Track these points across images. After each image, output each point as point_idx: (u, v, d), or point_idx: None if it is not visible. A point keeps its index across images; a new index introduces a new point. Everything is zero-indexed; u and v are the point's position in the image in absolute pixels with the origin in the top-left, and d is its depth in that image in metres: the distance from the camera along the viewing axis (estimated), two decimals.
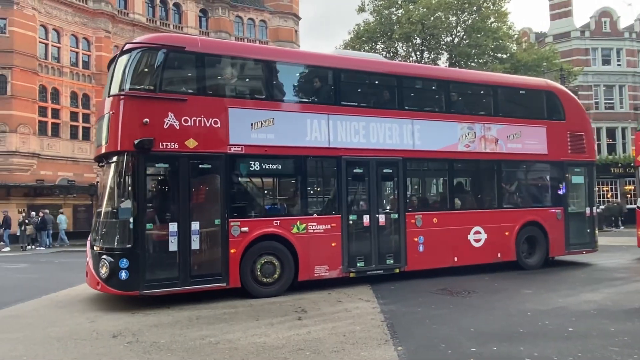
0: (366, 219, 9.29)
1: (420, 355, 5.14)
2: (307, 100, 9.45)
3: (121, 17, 30.34)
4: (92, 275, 7.81)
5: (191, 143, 7.85)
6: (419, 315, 6.86)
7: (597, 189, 31.15)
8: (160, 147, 7.61)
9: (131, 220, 7.36)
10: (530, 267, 10.95)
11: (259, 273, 8.24)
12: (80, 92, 28.23)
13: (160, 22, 32.21)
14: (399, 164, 9.70)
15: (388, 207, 9.91)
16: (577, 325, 6.18)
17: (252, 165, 8.48)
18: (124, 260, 7.31)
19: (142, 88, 7.94)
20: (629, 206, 27.66)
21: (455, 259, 10.06)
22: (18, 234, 21.72)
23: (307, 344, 5.47)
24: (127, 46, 8.16)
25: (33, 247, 21.88)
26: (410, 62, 27.43)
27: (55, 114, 27.23)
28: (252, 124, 8.39)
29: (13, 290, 9.93)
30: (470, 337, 5.67)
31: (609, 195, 33.31)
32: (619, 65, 35.92)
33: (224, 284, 7.95)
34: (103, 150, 8.04)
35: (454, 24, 28.58)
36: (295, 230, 8.56)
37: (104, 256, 7.48)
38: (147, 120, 7.55)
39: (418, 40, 28.66)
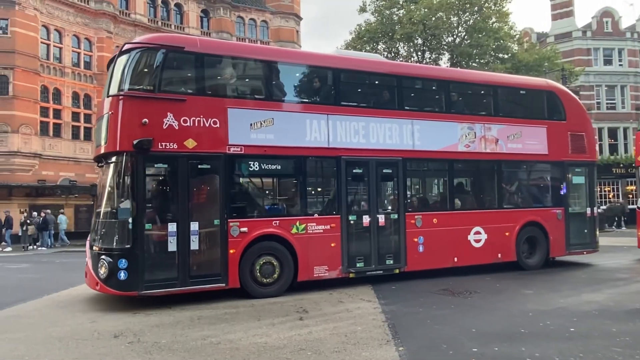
0: (366, 219, 9.26)
1: (422, 355, 5.13)
2: (306, 100, 9.43)
3: (123, 17, 30.40)
4: (91, 275, 7.81)
5: (190, 143, 7.85)
6: (421, 316, 6.85)
7: (598, 189, 31.15)
8: (160, 147, 7.61)
9: (130, 220, 7.36)
10: (530, 267, 10.92)
11: (258, 273, 8.23)
12: (81, 93, 28.30)
13: (161, 23, 32.26)
14: (398, 164, 9.68)
15: (388, 208, 9.88)
16: (579, 325, 6.16)
17: (252, 165, 8.47)
18: (123, 260, 7.31)
19: (141, 88, 7.93)
20: (630, 206, 27.57)
21: (455, 259, 10.03)
22: (20, 234, 21.75)
23: (309, 344, 5.47)
24: (126, 46, 8.16)
25: (35, 247, 21.91)
26: (411, 62, 27.42)
27: (57, 114, 27.30)
28: (251, 124, 8.38)
29: (15, 290, 9.95)
30: (471, 338, 5.67)
31: (610, 196, 33.24)
32: (620, 65, 35.87)
33: (223, 285, 7.94)
34: (102, 151, 8.04)
35: (455, 24, 28.57)
36: (294, 230, 8.54)
37: (103, 256, 7.47)
38: (146, 120, 7.54)
39: (419, 41, 28.64)
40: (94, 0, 28.92)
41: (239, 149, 8.24)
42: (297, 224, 8.61)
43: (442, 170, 10.69)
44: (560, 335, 5.75)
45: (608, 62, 35.85)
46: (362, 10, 29.80)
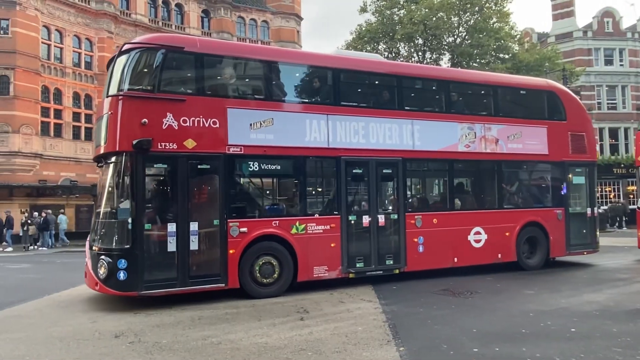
0: (366, 219, 9.25)
1: (423, 355, 5.13)
2: (306, 100, 9.42)
3: (123, 17, 30.43)
4: (90, 275, 7.81)
5: (190, 143, 7.84)
6: (421, 316, 6.85)
7: (599, 189, 31.12)
8: (159, 147, 7.60)
9: (130, 220, 7.35)
10: (530, 267, 10.90)
11: (257, 274, 8.22)
12: (82, 93, 28.33)
13: (162, 23, 32.29)
14: (398, 164, 9.66)
15: (388, 208, 9.87)
16: (580, 326, 6.15)
17: (251, 165, 8.46)
18: (123, 260, 7.30)
19: (141, 88, 7.93)
20: (630, 207, 27.55)
21: (455, 259, 10.02)
22: (21, 234, 21.76)
23: (309, 345, 5.47)
24: (126, 46, 8.15)
25: (35, 247, 21.93)
26: (412, 62, 27.40)
27: (58, 114, 27.33)
28: (251, 124, 8.37)
29: (15, 290, 9.95)
30: (472, 338, 5.66)
31: (611, 196, 33.21)
32: (621, 65, 35.85)
33: (223, 285, 7.93)
34: (102, 151, 8.03)
35: (456, 25, 28.56)
36: (294, 230, 8.53)
37: (103, 256, 7.47)
38: (146, 120, 7.53)
39: (420, 41, 28.63)
40: (94, 0, 28.95)
41: (238, 149, 8.23)
42: (297, 224, 8.60)
43: (442, 171, 10.68)
44: (561, 335, 5.74)
45: (609, 62, 35.82)
46: (363, 10, 29.81)
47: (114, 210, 7.62)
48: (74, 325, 6.61)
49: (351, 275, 9.08)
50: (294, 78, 9.39)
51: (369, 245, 9.25)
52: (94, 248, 7.86)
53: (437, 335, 5.81)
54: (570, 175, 11.55)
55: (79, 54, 28.49)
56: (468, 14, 28.06)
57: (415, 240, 9.63)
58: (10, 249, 21.01)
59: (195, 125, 7.91)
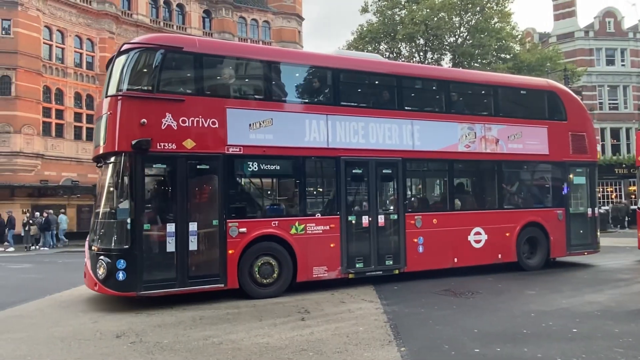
0: (365, 219, 9.23)
1: (424, 356, 5.12)
2: (306, 100, 9.40)
3: (125, 18, 30.47)
4: (90, 276, 7.81)
5: (189, 143, 7.83)
6: (422, 316, 6.83)
7: (601, 189, 31.07)
8: (158, 147, 7.59)
9: (129, 220, 7.34)
10: (531, 268, 10.87)
11: (257, 274, 8.20)
12: (84, 93, 28.37)
13: (163, 23, 32.32)
14: (398, 164, 9.64)
15: (387, 208, 9.84)
16: (581, 326, 6.14)
17: (251, 165, 8.44)
18: (122, 261, 7.29)
19: (140, 88, 7.92)
20: (632, 207, 27.48)
21: (455, 260, 9.99)
22: (22, 234, 21.80)
23: (310, 345, 5.46)
24: (125, 46, 8.14)
25: (37, 247, 21.95)
26: (413, 62, 27.38)
27: (59, 114, 27.37)
28: (250, 125, 8.35)
29: (17, 290, 9.96)
30: (473, 338, 5.65)
31: (613, 196, 33.13)
32: (623, 65, 35.80)
33: (222, 285, 7.91)
34: (101, 151, 8.03)
35: (457, 25, 28.55)
36: (293, 231, 8.51)
37: (102, 257, 7.46)
38: (145, 120, 7.52)
39: (421, 41, 28.63)
40: (96, 0, 29.00)
41: (237, 149, 8.21)
42: (296, 224, 8.58)
43: (442, 171, 10.65)
44: (562, 335, 5.73)
45: (610, 62, 35.76)
46: (364, 10, 29.82)
47: (113, 211, 7.62)
48: (75, 325, 6.61)
49: (351, 276, 9.05)
50: (293, 78, 9.37)
51: (369, 245, 9.23)
52: (93, 248, 7.86)
53: (438, 336, 5.79)
54: (570, 176, 11.51)
55: (81, 54, 28.53)
56: (469, 14, 28.05)
57: (415, 240, 9.61)
58: (11, 249, 21.03)
59: (195, 125, 7.90)
